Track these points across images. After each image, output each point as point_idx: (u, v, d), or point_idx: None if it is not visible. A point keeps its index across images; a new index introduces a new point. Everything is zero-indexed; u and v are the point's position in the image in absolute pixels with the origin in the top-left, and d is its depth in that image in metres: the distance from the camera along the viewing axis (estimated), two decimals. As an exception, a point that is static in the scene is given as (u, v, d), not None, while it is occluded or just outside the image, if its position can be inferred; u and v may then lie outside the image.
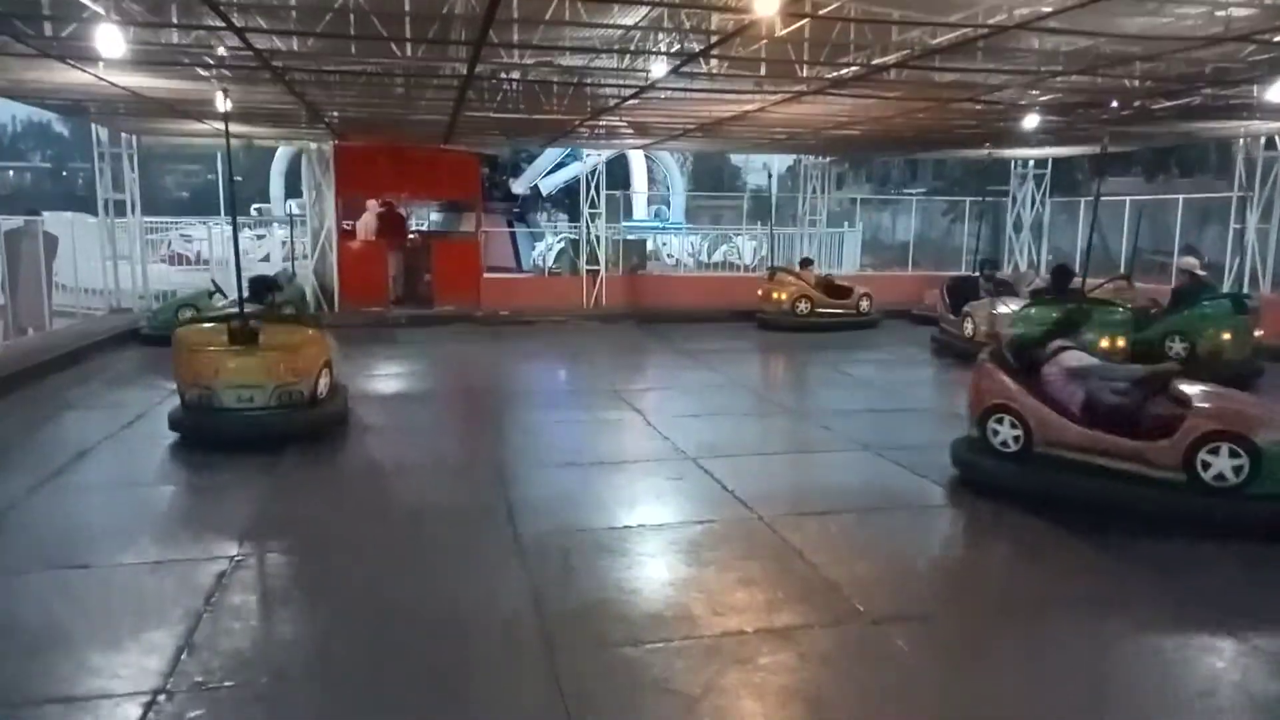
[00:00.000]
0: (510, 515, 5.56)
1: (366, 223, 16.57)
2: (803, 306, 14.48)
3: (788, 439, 7.89)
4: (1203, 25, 7.13)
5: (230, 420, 7.03)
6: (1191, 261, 11.75)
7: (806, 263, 15.76)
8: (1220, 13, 6.86)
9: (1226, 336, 10.15)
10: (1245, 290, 11.04)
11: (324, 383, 7.61)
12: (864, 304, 14.92)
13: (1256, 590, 4.65)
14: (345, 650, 3.85)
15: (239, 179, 35.25)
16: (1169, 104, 10.36)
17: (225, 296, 13.31)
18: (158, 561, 4.79)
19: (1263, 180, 13.33)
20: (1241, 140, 13.69)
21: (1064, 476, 5.69)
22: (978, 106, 10.79)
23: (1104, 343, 9.17)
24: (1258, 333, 10.48)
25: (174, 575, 4.60)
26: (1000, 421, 5.97)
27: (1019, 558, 5.12)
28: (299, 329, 7.77)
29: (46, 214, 17.29)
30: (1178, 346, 10.15)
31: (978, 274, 13.55)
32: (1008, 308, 11.23)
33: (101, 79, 9.13)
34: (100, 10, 6.79)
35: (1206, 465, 5.24)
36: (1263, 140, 13.31)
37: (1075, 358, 6.00)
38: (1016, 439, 5.91)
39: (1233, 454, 5.18)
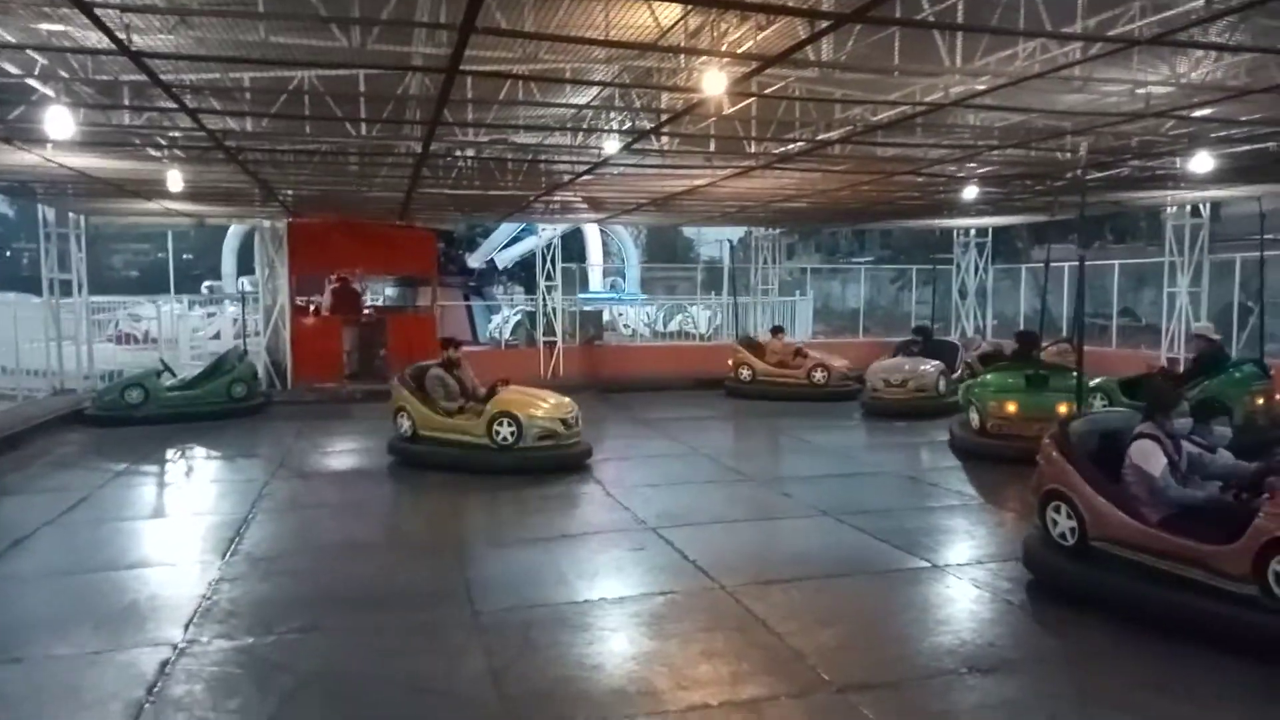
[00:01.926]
0: (469, 592, 5.44)
1: (326, 299, 16.53)
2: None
3: (748, 506, 7.87)
4: (1127, 102, 7.54)
5: None
6: (1208, 326, 11.42)
7: (778, 330, 15.83)
8: (1141, 90, 7.27)
9: (1261, 402, 9.61)
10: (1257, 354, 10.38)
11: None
12: (818, 375, 14.53)
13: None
14: (296, 740, 3.69)
15: (188, 257, 34.91)
16: (1100, 175, 10.85)
17: (174, 375, 13.08)
18: (97, 652, 4.57)
19: (1191, 245, 13.95)
20: (1169, 208, 14.35)
21: (1119, 579, 4.94)
22: (919, 179, 11.20)
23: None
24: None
25: (114, 666, 4.40)
26: (1058, 510, 5.34)
27: (992, 623, 5.11)
28: None
29: (-12, 295, 16.91)
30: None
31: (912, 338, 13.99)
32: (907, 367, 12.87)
33: (50, 160, 9.06)
34: (50, 93, 6.78)
35: None
36: (1188, 208, 13.98)
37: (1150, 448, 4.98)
38: (1073, 531, 5.24)
39: None
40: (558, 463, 8.93)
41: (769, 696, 4.04)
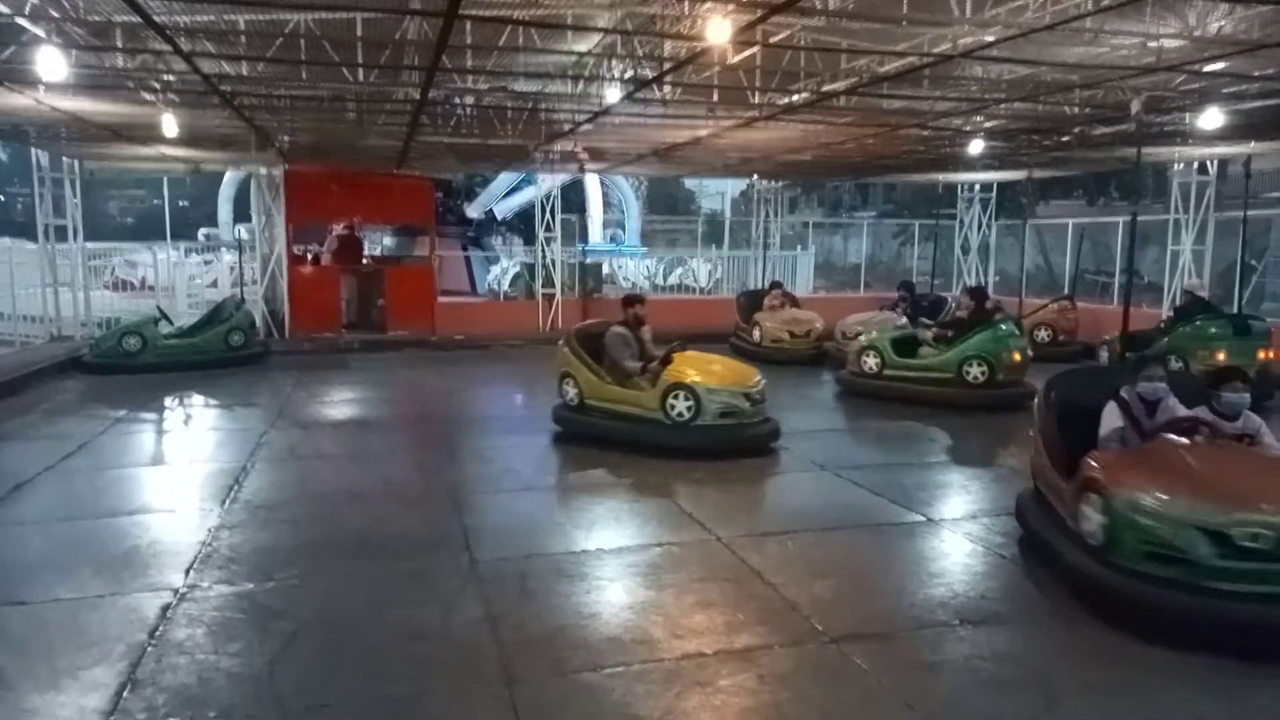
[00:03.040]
0: (466, 541, 5.49)
1: (330, 246, 16.44)
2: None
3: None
4: (1136, 56, 7.41)
5: None
6: (1196, 282, 11.63)
7: (776, 285, 15.56)
8: (1153, 44, 7.14)
9: (1221, 357, 9.55)
10: (1251, 312, 10.65)
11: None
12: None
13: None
14: (295, 683, 3.74)
15: (184, 204, 34.63)
16: (1107, 130, 10.72)
17: (171, 323, 13.04)
18: (99, 595, 4.62)
19: (1196, 204, 13.83)
20: (1176, 165, 14.20)
21: None
22: (925, 132, 11.06)
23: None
24: (1264, 355, 9.90)
25: (116, 609, 4.45)
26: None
27: (985, 576, 5.16)
28: None
29: (-17, 240, 16.78)
30: (1173, 365, 9.48)
31: (899, 293, 13.49)
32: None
33: (42, 103, 8.92)
34: (41, 33, 6.65)
35: None
36: (1195, 165, 13.83)
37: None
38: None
39: None
40: (740, 443, 7.72)
41: (763, 646, 4.09)
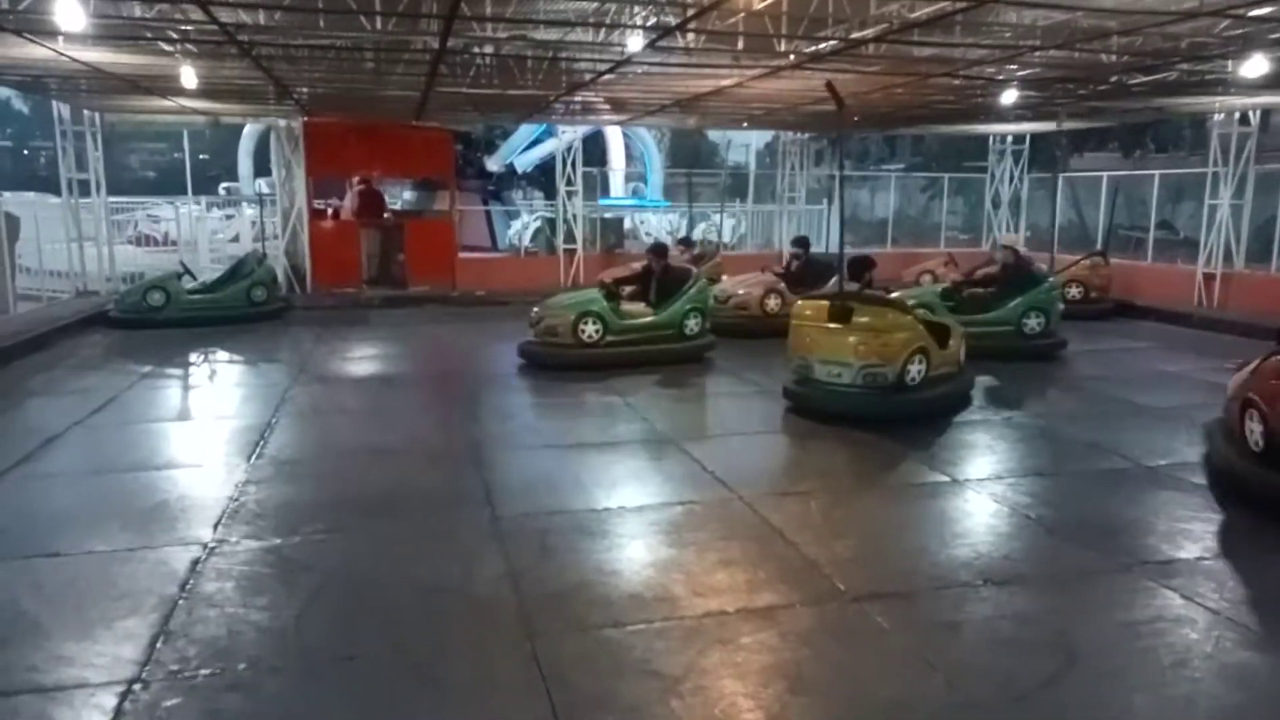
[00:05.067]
0: (488, 497, 5.52)
1: (350, 201, 16.39)
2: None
3: (765, 419, 7.87)
4: (1177, 0, 7.11)
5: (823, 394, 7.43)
6: (1014, 237, 11.43)
7: (801, 241, 15.17)
8: (1196, -13, 6.86)
9: None
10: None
11: (916, 369, 7.45)
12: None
13: None
14: (322, 636, 3.80)
15: (204, 157, 34.57)
16: (1145, 79, 10.38)
17: (194, 278, 13.12)
18: (130, 549, 4.70)
19: (1236, 155, 13.43)
20: (1216, 116, 13.77)
21: None
22: (956, 81, 10.76)
23: None
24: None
25: (147, 562, 4.52)
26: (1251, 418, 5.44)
27: (1009, 537, 5.12)
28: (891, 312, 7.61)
29: (7, 194, 16.92)
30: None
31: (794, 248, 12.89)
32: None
33: (61, 54, 8.86)
34: (58, -18, 6.57)
35: None
36: (1236, 116, 13.39)
37: None
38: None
39: None
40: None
41: (784, 604, 4.09)
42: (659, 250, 10.79)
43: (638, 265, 11.00)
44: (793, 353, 7.68)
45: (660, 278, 10.13)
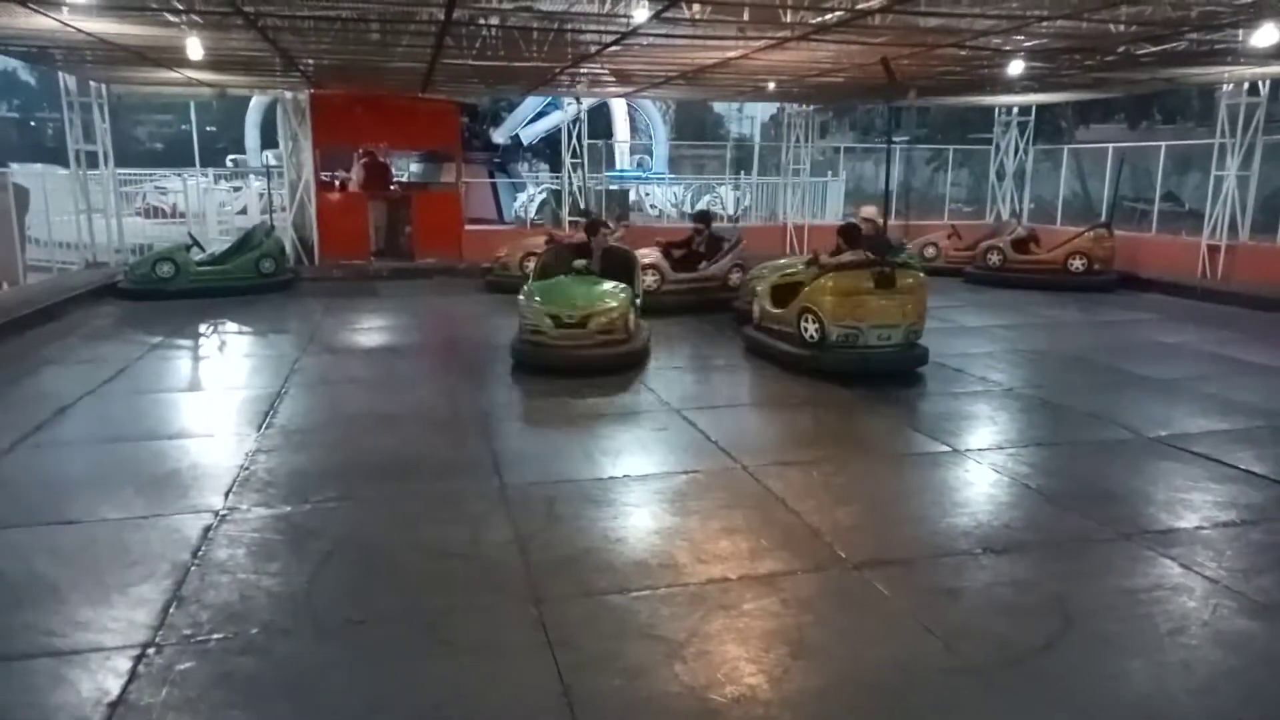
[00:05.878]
0: (495, 466, 5.59)
1: (356, 174, 16.37)
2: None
3: (770, 389, 7.93)
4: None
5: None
6: (872, 209, 11.23)
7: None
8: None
9: None
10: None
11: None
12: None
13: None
14: (332, 600, 3.89)
15: (211, 129, 34.47)
16: (1154, 49, 10.28)
17: (203, 250, 13.16)
18: (143, 516, 4.79)
19: (1245, 127, 13.32)
20: (1225, 86, 13.63)
21: None
22: (962, 52, 10.67)
23: None
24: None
25: (160, 529, 4.61)
26: None
27: (1010, 506, 5.19)
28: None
29: (15, 166, 16.92)
30: None
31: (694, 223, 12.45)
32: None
33: (67, 24, 8.85)
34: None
35: None
36: (1245, 86, 13.27)
37: None
38: None
39: None
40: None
41: (786, 571, 4.17)
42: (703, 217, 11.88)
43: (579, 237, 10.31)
44: (833, 323, 7.93)
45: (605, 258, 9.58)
